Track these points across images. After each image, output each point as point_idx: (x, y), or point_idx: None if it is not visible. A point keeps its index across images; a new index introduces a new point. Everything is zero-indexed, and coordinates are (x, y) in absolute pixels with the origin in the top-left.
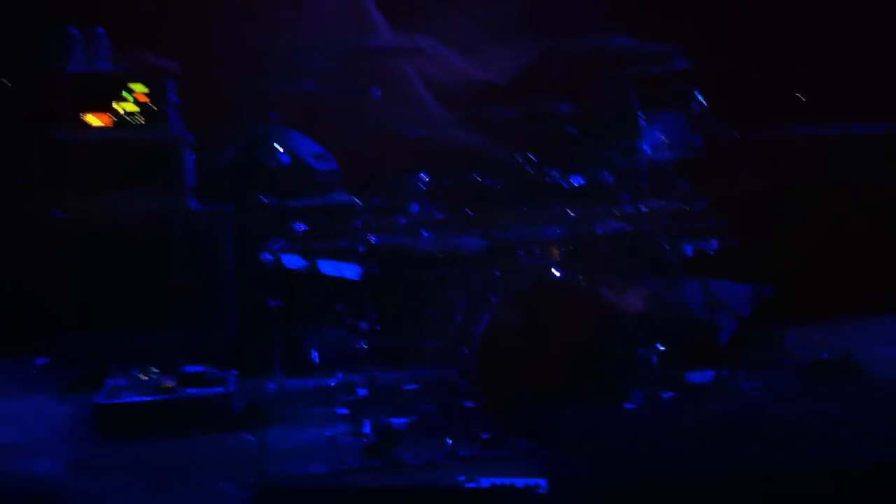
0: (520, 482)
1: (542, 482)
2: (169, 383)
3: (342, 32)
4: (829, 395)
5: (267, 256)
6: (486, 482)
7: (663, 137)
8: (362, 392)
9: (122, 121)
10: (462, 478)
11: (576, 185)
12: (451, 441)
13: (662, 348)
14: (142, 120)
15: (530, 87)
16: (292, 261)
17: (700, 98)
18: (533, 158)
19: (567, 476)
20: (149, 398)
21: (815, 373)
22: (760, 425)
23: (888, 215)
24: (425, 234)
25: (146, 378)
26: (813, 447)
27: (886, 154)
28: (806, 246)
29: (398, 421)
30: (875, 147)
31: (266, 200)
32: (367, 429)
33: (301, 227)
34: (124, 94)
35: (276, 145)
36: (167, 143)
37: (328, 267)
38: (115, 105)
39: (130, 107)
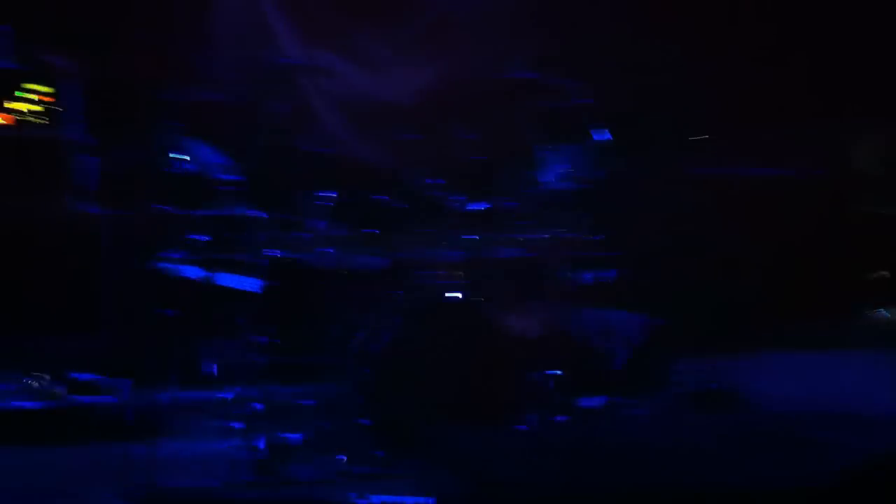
0: (409, 500)
1: (430, 501)
2: (58, 390)
3: (251, 46)
4: (706, 424)
5: (165, 265)
6: (376, 500)
7: (565, 169)
8: (257, 406)
9: (14, 119)
10: (353, 495)
11: (477, 209)
12: (344, 458)
13: (556, 373)
14: (34, 119)
15: (437, 112)
16: (191, 271)
17: (601, 132)
18: (436, 182)
19: (455, 496)
20: (37, 404)
21: (700, 403)
22: (636, 450)
23: (779, 254)
24: (327, 251)
25: (35, 384)
26: (678, 471)
27: (780, 198)
28: (698, 280)
29: (292, 437)
30: (770, 190)
31: (166, 208)
32: (260, 444)
33: (201, 237)
34: (24, 93)
35: (178, 153)
36: (60, 144)
37: (228, 279)
38: (13, 103)
39: (23, 105)
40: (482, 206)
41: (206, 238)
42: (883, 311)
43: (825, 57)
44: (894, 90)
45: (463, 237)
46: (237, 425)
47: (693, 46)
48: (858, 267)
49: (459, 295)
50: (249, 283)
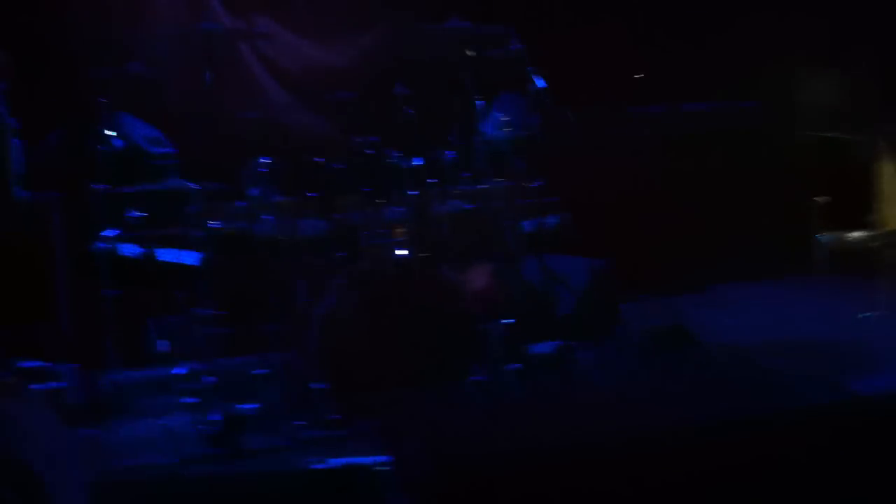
0: (365, 460)
1: (385, 459)
2: (4, 379)
3: (176, 14)
4: (656, 364)
5: (101, 245)
6: (332, 462)
7: (501, 118)
8: (207, 380)
9: None
10: (312, 460)
11: (415, 165)
12: (297, 425)
13: (504, 322)
14: None
15: (371, 70)
16: (128, 249)
17: (536, 79)
18: (373, 140)
19: (404, 452)
20: None
21: (648, 343)
22: (588, 397)
23: (717, 189)
24: (265, 218)
25: None
26: (634, 416)
27: (715, 131)
28: (638, 220)
29: (244, 407)
30: (705, 124)
31: (98, 187)
32: (215, 417)
33: (136, 213)
34: None
35: (106, 130)
36: None
37: (166, 254)
38: None
39: None
40: (422, 161)
41: (144, 214)
42: (826, 236)
43: None
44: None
45: (405, 194)
46: (190, 400)
47: None
48: (801, 194)
49: (405, 252)
50: (191, 257)
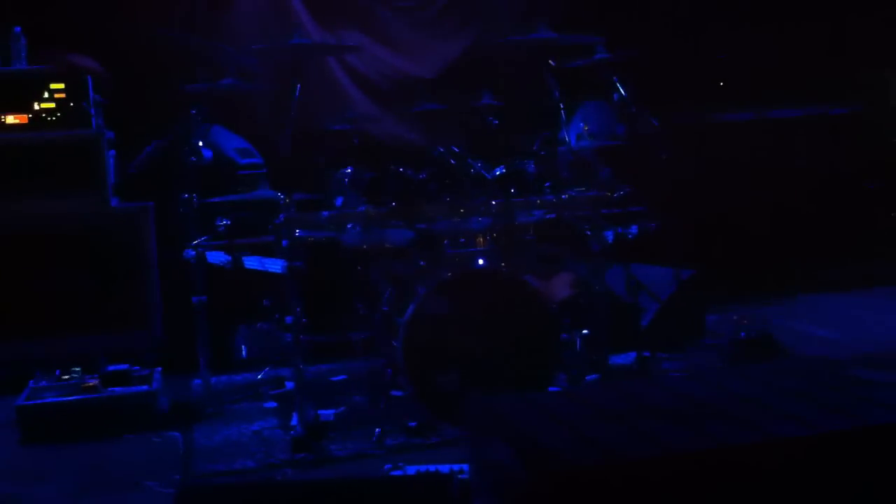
0: (444, 468)
1: (465, 467)
2: (92, 383)
3: (266, 29)
4: (746, 373)
5: (190, 253)
6: (411, 469)
7: (585, 126)
8: (290, 385)
9: (40, 120)
10: (388, 466)
11: (499, 174)
12: (378, 431)
13: (586, 332)
14: (61, 119)
15: (456, 80)
16: (216, 256)
17: (621, 87)
18: (457, 150)
19: (490, 461)
20: (72, 398)
21: (735, 352)
22: (678, 406)
23: (805, 197)
24: (350, 227)
25: (69, 378)
26: (727, 426)
27: (804, 137)
28: (726, 228)
29: (326, 413)
30: (792, 130)
31: (188, 196)
32: (294, 422)
33: (224, 222)
34: (43, 93)
35: (198, 141)
36: (87, 142)
37: (253, 262)
38: (33, 105)
39: (49, 106)
40: (506, 170)
41: (230, 223)
42: None
43: None
44: None
45: (489, 203)
46: (271, 405)
47: None
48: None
49: (485, 261)
50: (275, 265)
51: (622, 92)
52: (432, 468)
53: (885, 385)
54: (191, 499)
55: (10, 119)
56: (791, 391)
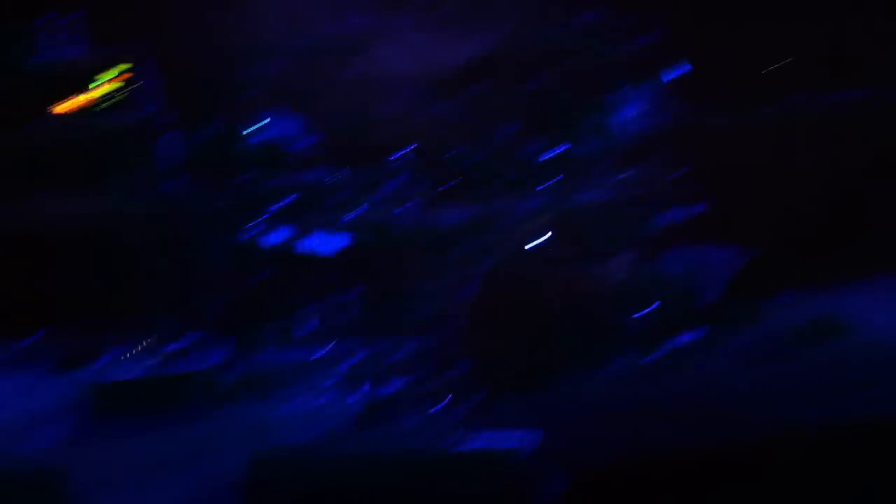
0: (506, 444)
1: (527, 445)
2: (160, 358)
3: (318, 15)
4: (809, 356)
5: (252, 232)
6: (473, 445)
7: (641, 108)
8: (352, 361)
9: (98, 106)
10: (453, 439)
11: (554, 155)
12: (440, 406)
13: (645, 313)
14: (118, 104)
15: (508, 61)
16: (277, 235)
17: (676, 68)
18: (512, 130)
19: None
20: (142, 373)
21: (797, 335)
22: (739, 390)
23: (865, 178)
24: (406, 207)
25: (138, 354)
26: (794, 409)
27: (859, 120)
28: (788, 209)
29: (388, 388)
30: (848, 114)
31: (247, 177)
32: (357, 397)
33: (283, 202)
34: (99, 78)
35: (255, 123)
36: (145, 127)
37: (312, 241)
38: (93, 90)
39: (106, 91)
40: (561, 150)
41: (289, 203)
42: None
43: None
44: None
45: (545, 183)
46: (336, 381)
47: None
48: None
49: (547, 243)
50: (335, 243)
51: (676, 72)
52: (494, 444)
53: None
54: (262, 468)
55: (66, 107)
56: (852, 374)
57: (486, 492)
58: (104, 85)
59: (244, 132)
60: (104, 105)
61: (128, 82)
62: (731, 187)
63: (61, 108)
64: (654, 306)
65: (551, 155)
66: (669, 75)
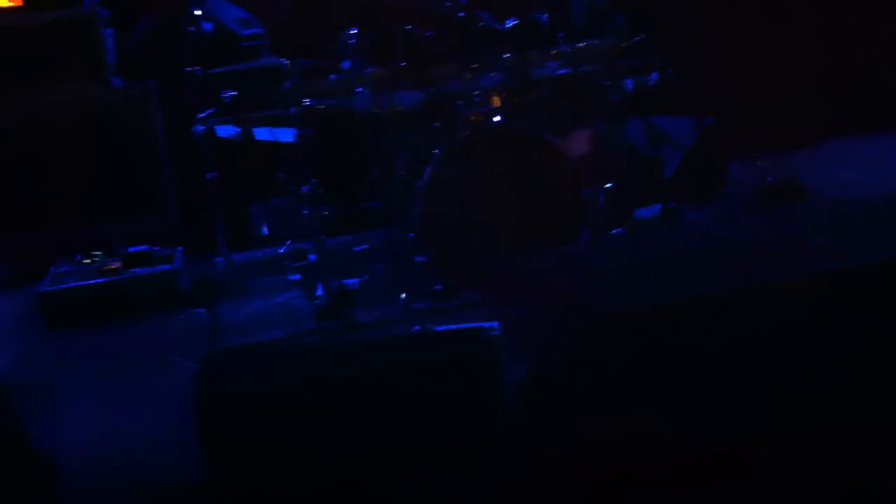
0: (473, 325)
1: (494, 324)
2: (114, 265)
3: None
4: (775, 216)
5: (199, 128)
6: (440, 328)
7: None
8: (312, 257)
9: (31, 1)
10: (416, 328)
11: (509, 27)
12: (403, 296)
13: (608, 186)
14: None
15: None
16: (225, 130)
17: None
18: (463, 3)
19: (519, 317)
20: (94, 282)
21: (760, 198)
22: (709, 250)
23: (822, 42)
24: (359, 92)
25: (90, 262)
26: (764, 264)
27: None
28: (746, 74)
29: (350, 282)
30: None
31: (191, 70)
32: (319, 292)
33: (230, 94)
34: None
35: (195, 12)
36: (82, 21)
37: (263, 133)
38: None
39: None
40: (517, 22)
41: (238, 94)
42: None
43: None
44: None
45: (500, 58)
46: (294, 278)
47: None
48: None
49: (503, 119)
50: (285, 134)
51: None
52: (461, 326)
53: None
54: (216, 365)
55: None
56: (816, 228)
57: (449, 373)
58: None
59: (184, 22)
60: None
61: None
62: (691, 54)
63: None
64: (617, 179)
65: (506, 26)
66: None
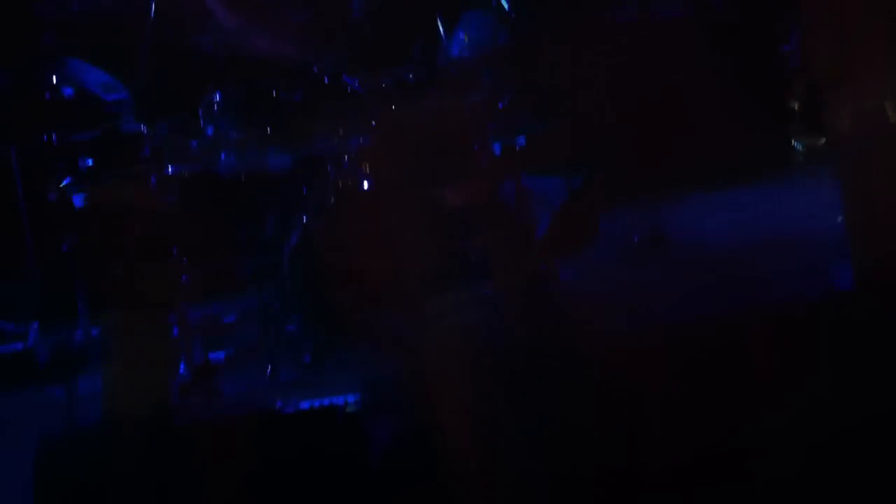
0: (336, 400)
1: (353, 397)
2: None
3: None
4: (641, 271)
5: (55, 196)
6: (304, 405)
7: (465, 36)
8: (175, 330)
9: None
10: (279, 403)
11: (379, 87)
12: (270, 368)
13: (480, 246)
14: None
15: None
16: (82, 199)
17: None
18: (330, 64)
19: (382, 382)
20: None
21: (630, 253)
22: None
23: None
24: (224, 156)
25: None
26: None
27: (690, 37)
28: (615, 130)
29: (215, 355)
30: (678, 31)
31: (48, 136)
32: (181, 368)
33: (89, 161)
34: None
35: (52, 75)
36: None
37: (127, 198)
38: None
39: None
40: (385, 83)
41: (95, 162)
42: (797, 140)
43: None
44: None
45: (370, 120)
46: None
47: None
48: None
49: (369, 182)
50: (151, 201)
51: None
52: (326, 401)
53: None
54: (56, 444)
55: None
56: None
57: (316, 449)
58: None
59: (41, 85)
60: None
61: None
62: (559, 113)
63: None
64: (486, 239)
65: (376, 86)
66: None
